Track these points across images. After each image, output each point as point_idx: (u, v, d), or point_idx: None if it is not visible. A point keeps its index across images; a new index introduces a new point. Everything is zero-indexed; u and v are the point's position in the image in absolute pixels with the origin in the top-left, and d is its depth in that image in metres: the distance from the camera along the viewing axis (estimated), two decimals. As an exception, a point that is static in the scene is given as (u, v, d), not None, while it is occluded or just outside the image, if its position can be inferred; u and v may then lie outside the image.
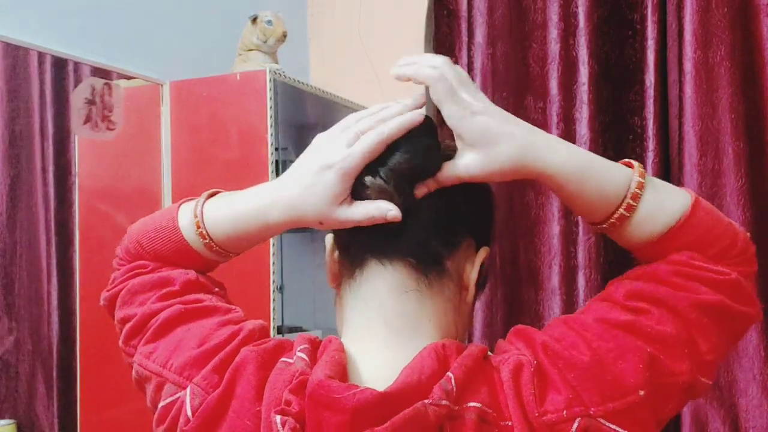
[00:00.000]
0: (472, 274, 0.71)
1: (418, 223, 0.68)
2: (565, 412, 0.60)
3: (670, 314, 0.65)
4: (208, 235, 0.75)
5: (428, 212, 0.68)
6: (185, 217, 0.76)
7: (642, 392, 0.62)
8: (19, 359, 1.65)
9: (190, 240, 0.76)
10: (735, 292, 0.68)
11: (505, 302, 2.16)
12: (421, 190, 0.68)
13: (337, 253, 0.74)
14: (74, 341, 1.73)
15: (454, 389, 0.60)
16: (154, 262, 0.78)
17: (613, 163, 0.71)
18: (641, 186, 0.68)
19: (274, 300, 1.73)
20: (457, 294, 0.71)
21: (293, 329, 2.06)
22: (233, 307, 0.76)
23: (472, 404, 0.60)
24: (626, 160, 0.72)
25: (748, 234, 0.72)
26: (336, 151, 0.67)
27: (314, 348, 0.67)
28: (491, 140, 0.66)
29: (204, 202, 0.77)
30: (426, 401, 0.59)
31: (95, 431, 1.74)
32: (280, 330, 1.80)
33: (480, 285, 0.73)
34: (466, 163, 0.67)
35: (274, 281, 1.65)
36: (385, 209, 0.66)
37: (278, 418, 0.60)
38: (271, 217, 0.71)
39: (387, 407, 0.59)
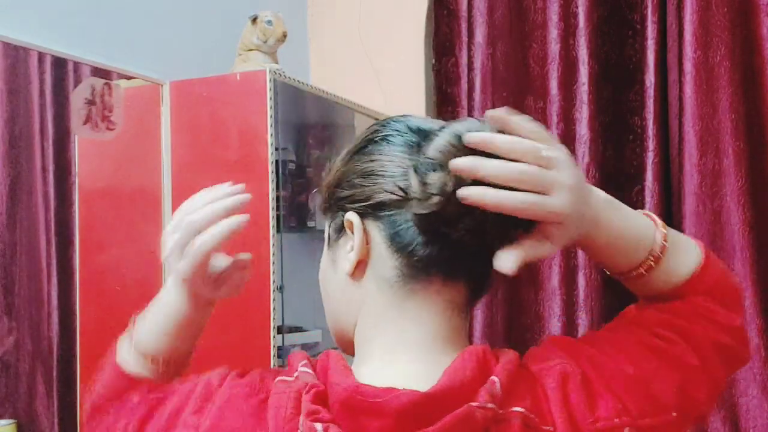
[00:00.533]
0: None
1: (484, 244, 0.64)
2: (616, 419, 0.62)
3: (692, 348, 0.68)
4: (150, 354, 0.78)
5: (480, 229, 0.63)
6: (122, 355, 0.80)
7: (674, 414, 0.64)
8: (19, 359, 1.65)
9: (134, 370, 0.78)
10: (741, 336, 0.73)
11: (505, 302, 2.16)
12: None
13: (384, 248, 0.66)
14: (74, 341, 1.73)
15: (500, 393, 0.60)
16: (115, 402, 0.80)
17: (639, 217, 0.71)
18: (663, 249, 0.70)
19: (274, 300, 1.72)
20: None
21: (293, 329, 2.05)
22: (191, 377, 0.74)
23: (516, 409, 0.60)
24: (645, 212, 0.72)
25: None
26: (172, 259, 0.73)
27: (312, 364, 0.66)
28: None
29: (130, 332, 0.82)
30: (473, 404, 0.59)
31: (95, 431, 1.74)
32: (280, 330, 1.80)
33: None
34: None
35: (274, 281, 1.65)
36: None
37: (319, 426, 0.59)
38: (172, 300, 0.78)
39: (432, 409, 0.59)
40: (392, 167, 0.64)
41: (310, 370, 0.64)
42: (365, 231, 0.66)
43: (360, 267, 0.66)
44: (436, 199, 0.60)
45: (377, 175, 0.65)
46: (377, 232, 0.65)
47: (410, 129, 0.66)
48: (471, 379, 0.61)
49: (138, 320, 0.81)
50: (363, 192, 0.65)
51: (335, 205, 0.69)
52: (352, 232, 0.66)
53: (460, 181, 0.60)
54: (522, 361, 0.66)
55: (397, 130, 0.66)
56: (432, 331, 0.66)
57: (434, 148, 0.62)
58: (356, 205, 0.66)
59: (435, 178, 0.61)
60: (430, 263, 0.64)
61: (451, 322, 0.66)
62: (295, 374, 0.64)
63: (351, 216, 0.66)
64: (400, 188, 0.62)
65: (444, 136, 0.63)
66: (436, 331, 0.66)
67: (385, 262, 0.65)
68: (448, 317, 0.66)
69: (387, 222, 0.64)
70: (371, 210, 0.65)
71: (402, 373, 0.64)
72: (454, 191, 0.60)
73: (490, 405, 0.59)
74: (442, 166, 0.61)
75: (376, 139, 0.67)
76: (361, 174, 0.66)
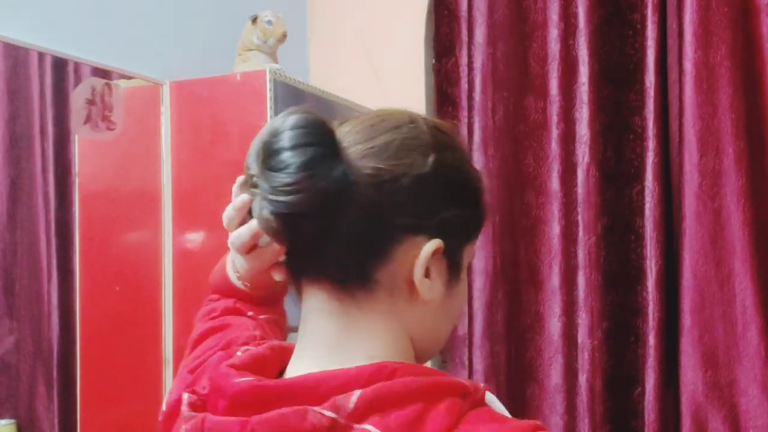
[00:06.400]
0: (416, 270, 0.63)
1: (335, 240, 0.61)
2: None
3: None
4: (239, 273, 0.84)
5: (347, 225, 0.61)
6: (228, 261, 0.87)
7: None
8: (19, 359, 1.65)
9: (231, 278, 0.86)
10: None
11: (505, 302, 2.16)
12: None
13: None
14: (74, 341, 1.73)
15: (351, 406, 0.56)
16: (219, 295, 0.89)
17: None
18: None
19: (274, 300, 1.73)
20: (398, 300, 0.64)
21: (293, 329, 2.06)
22: (248, 323, 0.84)
23: (366, 426, 0.55)
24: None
25: None
26: None
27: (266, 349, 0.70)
28: None
29: None
30: (314, 407, 0.56)
31: (95, 431, 1.74)
32: (280, 330, 1.80)
33: (451, 279, 0.67)
34: None
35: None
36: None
37: (186, 395, 0.64)
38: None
39: (266, 401, 0.58)
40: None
41: (240, 354, 0.68)
42: None
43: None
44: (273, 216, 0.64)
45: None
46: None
47: None
48: (335, 387, 0.58)
49: None
50: None
51: None
52: None
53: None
54: (467, 410, 0.59)
55: None
56: (317, 338, 0.65)
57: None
58: None
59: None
60: (293, 265, 0.67)
61: (333, 328, 0.64)
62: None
63: None
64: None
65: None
66: (320, 339, 0.65)
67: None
68: (330, 323, 0.64)
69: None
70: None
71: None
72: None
73: (328, 413, 0.56)
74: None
75: None
76: None
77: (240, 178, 0.67)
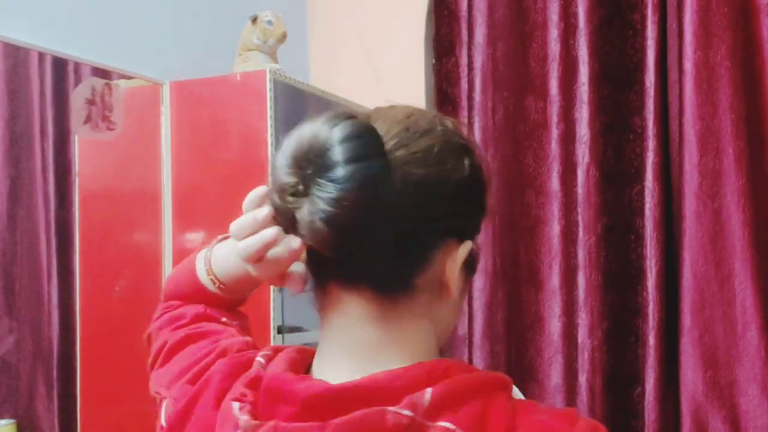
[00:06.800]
0: (453, 274, 0.64)
1: (381, 248, 0.61)
2: None
3: None
4: (215, 277, 0.81)
5: (394, 234, 0.61)
6: (200, 261, 0.83)
7: None
8: (19, 359, 1.65)
9: (204, 281, 0.82)
10: None
11: (505, 302, 2.16)
12: None
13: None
14: (74, 341, 1.73)
15: (426, 404, 0.57)
16: (181, 302, 0.85)
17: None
18: None
19: (274, 300, 1.73)
20: (434, 301, 0.66)
21: (293, 329, 2.05)
22: (230, 330, 0.79)
23: (443, 423, 0.56)
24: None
25: None
26: None
27: (275, 353, 0.67)
28: None
29: (215, 245, 0.83)
30: (390, 408, 0.56)
31: (95, 431, 1.74)
32: (280, 330, 1.80)
33: (468, 276, 0.68)
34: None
35: (274, 281, 1.65)
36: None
37: (236, 404, 0.61)
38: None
39: (340, 404, 0.58)
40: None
41: (263, 360, 0.66)
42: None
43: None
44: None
45: None
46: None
47: None
48: (403, 384, 0.58)
49: (220, 241, 0.83)
50: None
51: None
52: None
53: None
54: (515, 402, 0.61)
55: None
56: (350, 345, 0.64)
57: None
58: None
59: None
60: (319, 269, 0.65)
61: (370, 335, 0.63)
62: (259, 358, 0.67)
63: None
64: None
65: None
66: (354, 346, 0.64)
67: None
68: (367, 330, 0.63)
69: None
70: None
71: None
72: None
73: (406, 412, 0.56)
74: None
75: None
76: None
77: (261, 189, 0.65)
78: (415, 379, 0.59)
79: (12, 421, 1.61)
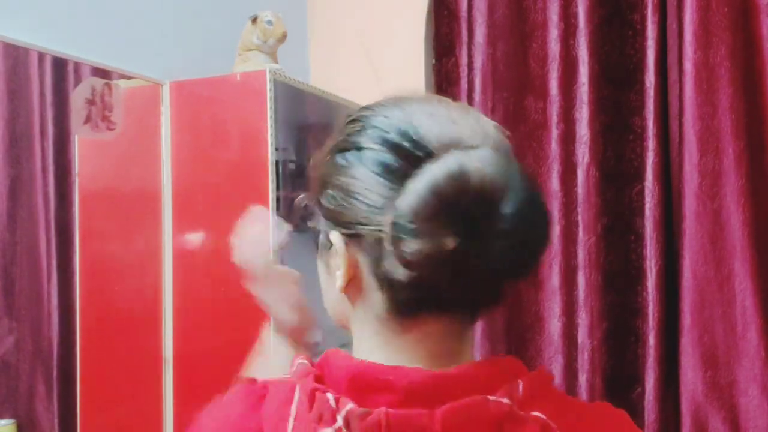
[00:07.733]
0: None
1: (479, 274, 0.59)
2: None
3: None
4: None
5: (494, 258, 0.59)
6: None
7: None
8: (19, 359, 1.65)
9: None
10: None
11: (505, 302, 2.16)
12: None
13: (370, 278, 0.62)
14: (74, 341, 1.73)
15: (521, 395, 0.60)
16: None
17: None
18: None
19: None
20: None
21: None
22: None
23: (536, 413, 0.59)
24: None
25: None
26: None
27: (311, 363, 0.65)
28: None
29: None
30: (490, 396, 0.58)
31: (95, 431, 1.74)
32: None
33: None
34: None
35: (274, 281, 1.65)
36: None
37: (330, 395, 0.59)
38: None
39: (442, 390, 0.59)
40: (371, 195, 0.59)
41: (306, 361, 0.65)
42: (349, 254, 0.62)
43: (352, 284, 0.63)
44: (407, 270, 0.57)
45: (355, 198, 0.60)
46: (362, 258, 0.62)
47: (388, 143, 0.61)
48: (489, 376, 0.61)
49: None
50: (342, 214, 0.61)
51: (322, 213, 0.65)
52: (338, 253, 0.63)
53: (438, 246, 0.56)
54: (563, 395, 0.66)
55: (375, 143, 0.61)
56: (428, 355, 0.63)
57: (409, 206, 0.56)
58: (339, 228, 0.62)
59: (411, 247, 0.56)
60: (416, 304, 0.61)
61: (448, 346, 0.64)
62: (292, 369, 0.64)
63: (335, 238, 0.63)
64: (379, 230, 0.58)
65: (419, 192, 0.56)
66: (432, 356, 0.63)
67: (372, 293, 0.62)
68: (447, 342, 0.64)
69: (369, 252, 0.61)
70: (353, 236, 0.61)
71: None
72: (430, 256, 0.56)
73: (506, 400, 0.59)
74: (417, 233, 0.55)
75: (355, 143, 0.63)
76: (340, 189, 0.62)
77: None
78: (496, 372, 0.62)
79: (12, 421, 1.61)
